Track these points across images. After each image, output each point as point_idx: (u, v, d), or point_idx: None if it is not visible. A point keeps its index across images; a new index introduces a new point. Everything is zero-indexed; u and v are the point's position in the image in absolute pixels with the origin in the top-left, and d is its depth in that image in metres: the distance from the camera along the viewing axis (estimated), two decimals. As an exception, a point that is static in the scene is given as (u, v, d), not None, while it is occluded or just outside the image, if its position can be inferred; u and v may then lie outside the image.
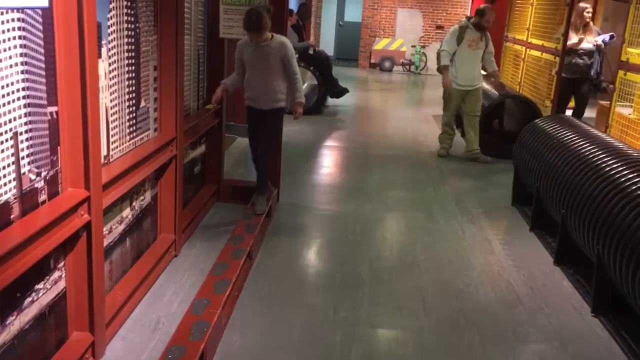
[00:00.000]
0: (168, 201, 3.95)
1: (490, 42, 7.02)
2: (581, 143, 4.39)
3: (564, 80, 7.22)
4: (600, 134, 4.63)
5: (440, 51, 6.92)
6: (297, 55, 9.44)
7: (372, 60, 16.50)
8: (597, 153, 4.09)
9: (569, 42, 7.05)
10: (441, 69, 6.95)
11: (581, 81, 7.35)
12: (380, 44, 16.40)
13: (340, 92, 9.82)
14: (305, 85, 9.29)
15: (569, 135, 4.65)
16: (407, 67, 16.28)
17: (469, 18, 6.94)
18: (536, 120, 5.56)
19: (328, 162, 7.08)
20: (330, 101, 10.30)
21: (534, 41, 8.82)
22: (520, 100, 7.47)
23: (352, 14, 17.78)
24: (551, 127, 5.05)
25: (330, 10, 18.06)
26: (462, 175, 6.52)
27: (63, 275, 2.66)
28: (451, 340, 3.29)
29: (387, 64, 16.22)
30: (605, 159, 3.92)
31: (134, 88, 3.38)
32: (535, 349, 3.27)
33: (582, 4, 7.44)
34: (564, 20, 7.69)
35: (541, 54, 8.47)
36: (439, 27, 16.41)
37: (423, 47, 16.31)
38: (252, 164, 4.84)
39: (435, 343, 3.27)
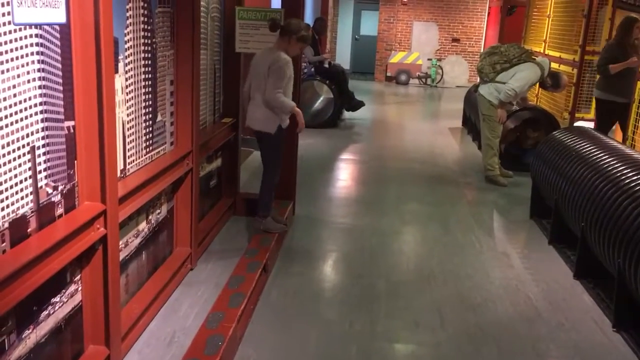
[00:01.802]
0: (184, 215, 3.96)
1: None
2: (600, 155, 4.33)
3: (614, 105, 6.54)
4: (619, 145, 4.57)
5: (510, 89, 6.22)
6: (313, 69, 9.54)
7: (388, 74, 16.51)
8: (616, 165, 4.03)
9: (625, 62, 6.44)
10: (502, 104, 6.38)
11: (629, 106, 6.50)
12: (396, 57, 16.42)
13: (357, 105, 9.83)
14: (321, 98, 9.32)
15: (588, 147, 4.60)
16: (424, 80, 16.27)
17: (548, 66, 6.50)
18: (554, 133, 5.51)
19: (344, 175, 7.07)
20: (347, 114, 10.31)
21: (551, 53, 8.79)
22: (538, 112, 7.39)
23: (368, 28, 17.84)
24: (569, 139, 4.99)
25: (346, 24, 18.14)
26: (479, 188, 6.47)
27: (79, 289, 2.68)
28: (469, 356, 3.24)
29: (403, 77, 16.22)
30: (625, 171, 3.87)
31: (150, 102, 3.41)
32: (555, 365, 3.22)
33: (632, 15, 6.70)
34: (582, 31, 7.65)
35: (559, 66, 8.42)
36: (455, 40, 16.40)
37: (439, 60, 16.30)
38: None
39: (453, 358, 3.22)
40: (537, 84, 6.61)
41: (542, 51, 9.12)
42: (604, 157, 4.26)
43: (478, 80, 6.90)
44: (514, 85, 6.23)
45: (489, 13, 15.97)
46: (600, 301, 3.86)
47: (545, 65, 6.41)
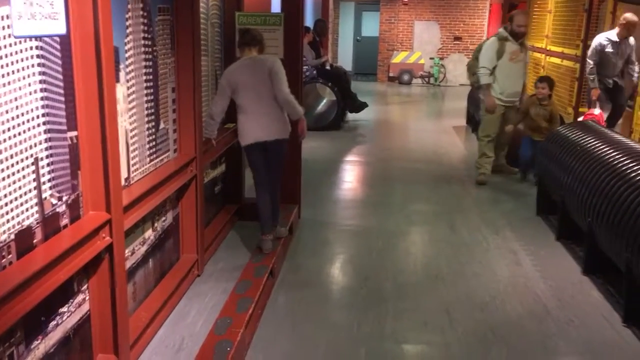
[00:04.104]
0: (189, 221, 3.97)
1: (528, 53, 6.61)
2: (605, 149, 4.31)
3: None
4: (624, 139, 4.55)
5: (479, 68, 6.33)
6: (315, 72, 9.53)
7: (391, 74, 16.49)
8: (621, 159, 4.01)
9: None
10: (482, 89, 6.38)
11: None
12: (398, 58, 16.40)
13: (360, 106, 9.83)
14: (324, 101, 9.32)
15: (593, 141, 4.58)
16: (426, 79, 16.24)
17: (505, 28, 6.37)
18: (559, 128, 5.49)
19: (349, 177, 7.07)
20: (350, 116, 10.30)
21: (554, 48, 8.76)
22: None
23: (369, 29, 17.83)
24: (574, 134, 4.97)
25: (348, 26, 18.13)
26: (485, 186, 6.44)
27: (87, 298, 2.68)
28: (478, 355, 3.23)
29: (405, 77, 16.19)
30: (631, 165, 3.85)
31: (152, 110, 3.41)
32: (565, 362, 3.20)
33: None
34: (584, 26, 7.62)
35: (561, 61, 8.40)
36: (457, 39, 16.37)
37: (441, 59, 16.27)
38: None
39: (463, 358, 3.21)
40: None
41: (544, 47, 9.09)
42: (609, 151, 4.24)
43: None
44: (479, 64, 6.35)
45: (490, 10, 15.94)
46: (609, 296, 3.84)
47: (499, 31, 6.42)
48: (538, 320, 3.60)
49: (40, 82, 2.24)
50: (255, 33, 4.08)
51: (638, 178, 3.65)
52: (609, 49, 6.95)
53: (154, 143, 3.46)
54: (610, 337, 3.41)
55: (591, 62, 7.01)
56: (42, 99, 2.26)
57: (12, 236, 2.14)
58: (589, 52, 7.05)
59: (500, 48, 6.25)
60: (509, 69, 6.28)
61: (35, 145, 2.24)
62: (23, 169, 2.18)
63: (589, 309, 3.73)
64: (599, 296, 3.89)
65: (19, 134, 2.15)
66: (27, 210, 2.22)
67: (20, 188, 2.17)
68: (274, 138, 4.06)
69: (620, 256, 3.60)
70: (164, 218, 3.68)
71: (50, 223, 2.37)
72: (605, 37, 7.00)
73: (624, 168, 3.88)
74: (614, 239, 3.65)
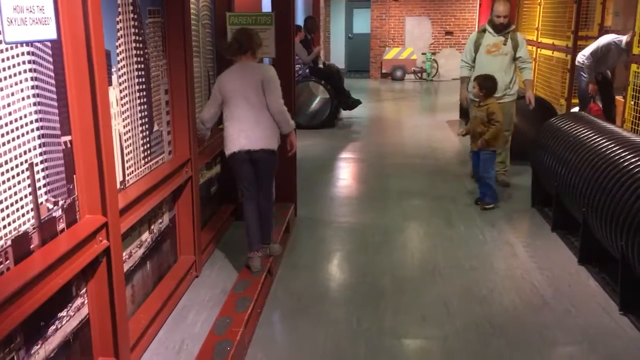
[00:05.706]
0: (186, 222, 3.97)
1: (522, 45, 6.04)
2: (598, 139, 4.33)
3: None
4: (616, 129, 4.57)
5: (460, 62, 6.35)
6: (307, 70, 9.50)
7: (384, 70, 16.51)
8: (614, 148, 4.03)
9: None
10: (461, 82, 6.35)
11: None
12: (390, 54, 16.42)
13: (353, 103, 9.83)
14: (318, 99, 9.32)
15: (586, 132, 4.60)
16: (419, 74, 16.26)
17: (489, 20, 6.14)
18: (552, 119, 5.51)
19: (344, 174, 7.08)
20: (344, 114, 10.31)
21: (544, 40, 8.79)
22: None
23: (361, 26, 17.84)
24: (567, 125, 4.99)
25: (339, 24, 18.14)
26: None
27: (85, 302, 2.69)
28: (477, 347, 3.25)
29: (398, 73, 16.21)
30: (623, 154, 3.87)
31: (146, 113, 3.42)
32: (564, 352, 3.22)
33: None
34: (574, 17, 7.65)
35: (552, 53, 8.43)
36: (448, 33, 16.40)
37: (433, 54, 16.29)
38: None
39: (461, 350, 3.23)
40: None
41: (535, 39, 9.12)
42: (601, 141, 4.26)
43: None
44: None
45: (480, 4, 15.95)
46: (605, 285, 3.87)
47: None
48: (535, 310, 3.62)
49: (33, 87, 2.25)
50: (237, 41, 3.81)
51: (631, 167, 3.67)
52: (613, 51, 6.95)
53: (148, 145, 3.46)
54: (608, 326, 3.43)
55: (592, 58, 7.00)
56: (35, 104, 2.26)
57: (9, 242, 2.15)
58: (593, 49, 7.02)
59: (477, 40, 6.10)
60: (484, 63, 6.02)
61: (30, 150, 2.25)
62: (18, 174, 2.19)
63: (585, 298, 3.76)
64: (596, 285, 3.92)
65: (13, 139, 2.15)
66: (23, 215, 2.22)
67: (15, 194, 2.18)
68: (259, 147, 3.76)
69: (615, 245, 3.62)
70: (160, 220, 3.69)
71: (46, 228, 2.37)
72: (614, 41, 6.91)
73: (617, 157, 3.90)
74: (608, 229, 3.68)
